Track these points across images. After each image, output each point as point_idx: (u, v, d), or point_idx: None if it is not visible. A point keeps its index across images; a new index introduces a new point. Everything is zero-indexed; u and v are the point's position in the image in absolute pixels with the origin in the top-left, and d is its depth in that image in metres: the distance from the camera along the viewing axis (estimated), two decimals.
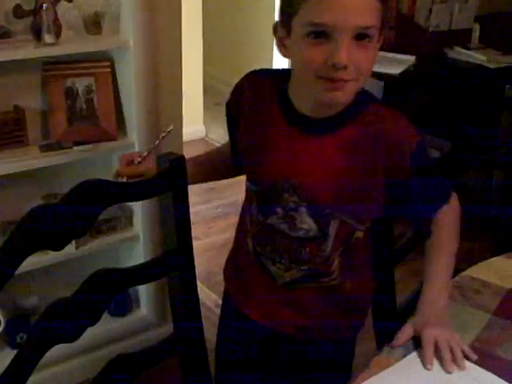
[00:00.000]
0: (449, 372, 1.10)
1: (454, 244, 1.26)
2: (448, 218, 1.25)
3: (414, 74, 3.07)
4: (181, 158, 1.12)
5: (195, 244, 3.41)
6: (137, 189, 1.10)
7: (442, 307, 1.21)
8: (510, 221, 1.87)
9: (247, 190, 1.27)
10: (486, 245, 2.16)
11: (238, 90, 1.26)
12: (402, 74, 2.99)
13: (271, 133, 1.17)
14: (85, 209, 0.96)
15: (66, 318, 0.96)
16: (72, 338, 0.99)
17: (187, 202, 1.17)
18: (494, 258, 1.51)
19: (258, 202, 1.22)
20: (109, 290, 1.03)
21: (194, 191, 4.16)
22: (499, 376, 1.11)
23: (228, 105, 1.28)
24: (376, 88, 2.87)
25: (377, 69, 2.93)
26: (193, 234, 3.58)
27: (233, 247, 1.39)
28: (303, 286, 1.24)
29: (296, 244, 1.19)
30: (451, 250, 1.25)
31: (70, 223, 0.94)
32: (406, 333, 1.16)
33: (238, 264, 1.35)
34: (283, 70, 1.21)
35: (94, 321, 1.02)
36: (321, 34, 1.00)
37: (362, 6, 1.00)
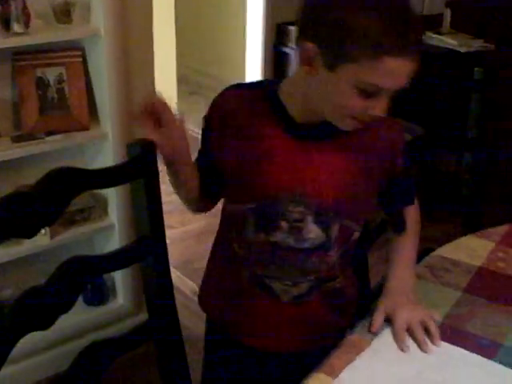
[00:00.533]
0: (424, 351, 1.13)
1: (417, 238, 1.34)
2: (415, 215, 1.33)
3: None
4: (151, 144, 1.12)
5: (171, 233, 3.42)
6: (107, 176, 1.10)
7: (411, 286, 1.25)
8: (479, 201, 1.91)
9: (233, 214, 1.21)
10: (459, 225, 2.20)
11: (219, 106, 1.20)
12: None
13: (268, 144, 1.15)
14: (54, 196, 0.96)
15: (39, 305, 0.96)
16: (45, 325, 0.99)
17: (159, 188, 1.17)
18: (463, 238, 1.54)
19: (257, 220, 1.17)
20: (81, 276, 1.03)
21: (168, 180, 4.13)
22: (468, 350, 1.15)
23: (208, 121, 1.21)
24: None
25: None
26: (168, 223, 3.58)
27: (213, 278, 1.33)
28: (309, 297, 1.23)
29: (303, 256, 1.18)
30: (416, 242, 1.33)
31: (39, 210, 0.93)
32: (379, 318, 1.19)
33: (226, 293, 1.28)
34: (263, 81, 1.23)
35: (67, 308, 1.02)
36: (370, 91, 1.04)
37: (412, 71, 1.04)
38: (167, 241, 3.30)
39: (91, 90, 2.05)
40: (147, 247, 1.17)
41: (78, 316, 2.15)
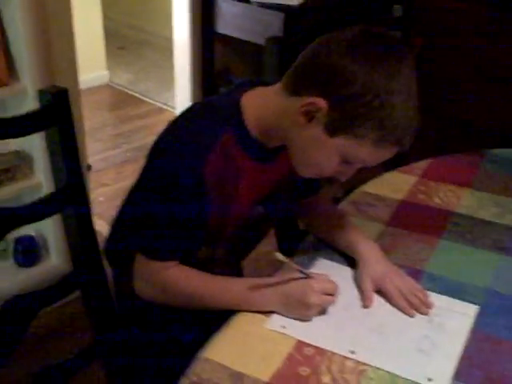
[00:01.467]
0: (413, 315, 1.12)
1: None
2: None
3: (313, 3, 3.06)
4: (63, 92, 1.09)
5: (105, 190, 3.36)
6: (18, 124, 1.06)
7: (379, 248, 1.23)
8: None
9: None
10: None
11: (209, 173, 1.08)
12: (301, 4, 2.98)
13: (242, 173, 1.14)
14: None
15: None
16: None
17: (74, 136, 1.14)
18: (386, 174, 1.57)
19: (228, 239, 1.25)
20: None
21: (101, 138, 4.06)
22: None
23: (198, 191, 1.09)
24: (276, 20, 2.86)
25: (276, 0, 2.93)
26: (102, 181, 3.51)
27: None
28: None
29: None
30: None
31: None
32: (370, 291, 1.16)
33: None
34: (224, 120, 1.11)
35: None
36: None
37: None
38: (101, 198, 3.24)
39: (7, 44, 1.97)
40: (66, 197, 1.15)
41: (10, 278, 2.12)
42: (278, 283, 1.11)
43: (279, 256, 1.10)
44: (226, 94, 1.19)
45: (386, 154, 1.06)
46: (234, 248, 1.29)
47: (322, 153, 1.06)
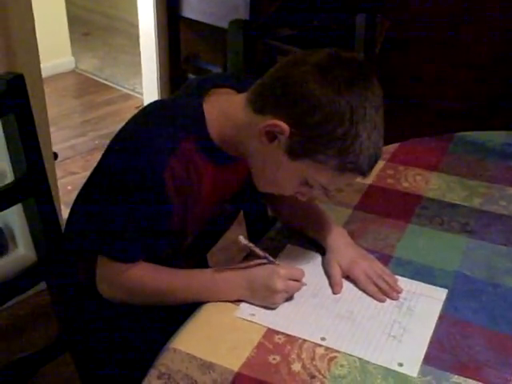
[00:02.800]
0: (383, 300, 1.11)
1: None
2: None
3: None
4: (19, 77, 1.05)
5: (73, 179, 3.30)
6: None
7: (347, 235, 1.22)
8: None
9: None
10: None
11: (170, 178, 1.05)
12: None
13: (204, 180, 1.11)
14: None
15: None
16: None
17: (33, 123, 1.10)
18: None
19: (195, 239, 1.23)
20: None
21: (68, 125, 3.98)
22: None
23: (163, 197, 1.06)
24: (242, 3, 2.83)
25: None
26: (70, 169, 3.46)
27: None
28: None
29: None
30: None
31: None
32: (339, 277, 1.15)
33: None
34: (187, 125, 1.07)
35: None
36: None
37: None
38: (69, 187, 3.19)
39: None
40: (27, 186, 1.12)
41: None
42: (242, 269, 1.10)
43: (243, 240, 1.08)
44: (187, 94, 1.15)
45: (347, 180, 1.07)
46: (197, 243, 1.27)
47: (281, 173, 1.06)
